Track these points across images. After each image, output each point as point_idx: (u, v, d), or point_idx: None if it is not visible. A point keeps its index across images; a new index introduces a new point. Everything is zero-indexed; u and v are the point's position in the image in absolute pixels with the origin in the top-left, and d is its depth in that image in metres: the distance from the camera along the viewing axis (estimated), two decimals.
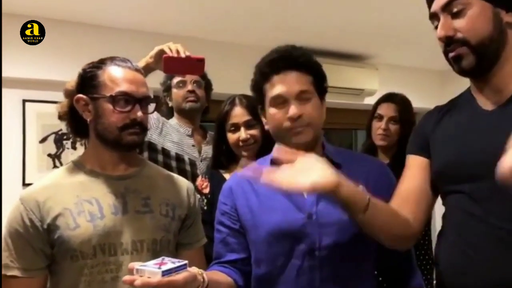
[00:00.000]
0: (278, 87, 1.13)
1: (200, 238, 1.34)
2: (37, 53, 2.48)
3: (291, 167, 0.93)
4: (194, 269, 0.98)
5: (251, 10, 2.61)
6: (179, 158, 1.94)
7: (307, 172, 0.91)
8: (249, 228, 1.19)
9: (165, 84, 2.07)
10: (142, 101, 1.17)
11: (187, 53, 1.48)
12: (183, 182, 1.33)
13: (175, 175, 1.35)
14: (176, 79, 2.01)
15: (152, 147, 1.90)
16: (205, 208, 1.72)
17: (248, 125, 1.70)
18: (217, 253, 1.24)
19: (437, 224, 2.30)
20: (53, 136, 2.71)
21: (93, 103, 1.16)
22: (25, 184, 2.60)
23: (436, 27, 1.03)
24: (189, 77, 1.98)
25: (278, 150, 1.00)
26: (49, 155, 2.70)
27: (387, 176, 1.22)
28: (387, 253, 1.13)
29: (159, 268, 0.89)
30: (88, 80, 1.17)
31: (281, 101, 1.13)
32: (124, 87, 1.14)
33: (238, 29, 2.96)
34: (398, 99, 2.15)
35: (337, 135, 4.51)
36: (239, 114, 1.71)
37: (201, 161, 2.00)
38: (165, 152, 1.92)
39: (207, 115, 2.13)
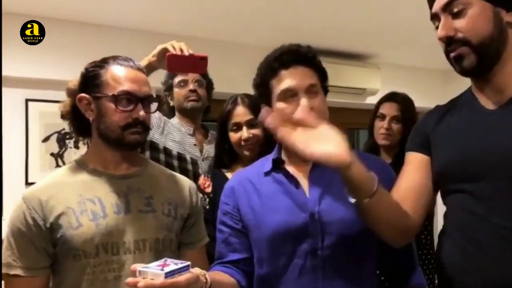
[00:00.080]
0: (287, 80, 1.12)
1: (202, 237, 1.34)
2: (39, 52, 2.49)
3: (308, 131, 0.90)
4: (197, 270, 0.98)
5: (252, 9, 2.61)
6: (181, 157, 1.94)
7: (323, 141, 0.88)
8: (251, 228, 1.19)
9: (167, 84, 2.06)
10: (144, 100, 1.17)
11: (191, 51, 1.48)
12: (186, 182, 1.32)
13: (178, 175, 1.35)
14: (177, 79, 2.00)
15: (154, 146, 1.90)
16: (207, 207, 1.72)
17: (250, 125, 1.70)
18: (219, 253, 1.24)
19: (439, 223, 2.30)
20: (55, 135, 2.72)
21: (96, 102, 1.16)
22: (28, 183, 2.61)
23: (437, 28, 1.03)
24: (190, 77, 1.98)
25: (302, 109, 0.97)
26: (52, 154, 2.71)
27: (389, 175, 1.21)
28: (388, 252, 1.13)
29: (162, 269, 0.88)
30: (91, 79, 1.17)
31: (290, 95, 1.12)
32: (126, 86, 1.14)
33: (239, 29, 2.96)
34: (400, 99, 2.14)
35: None
36: (241, 113, 1.71)
37: (202, 160, 2.00)
38: (167, 151, 1.92)
39: (208, 114, 2.13)
